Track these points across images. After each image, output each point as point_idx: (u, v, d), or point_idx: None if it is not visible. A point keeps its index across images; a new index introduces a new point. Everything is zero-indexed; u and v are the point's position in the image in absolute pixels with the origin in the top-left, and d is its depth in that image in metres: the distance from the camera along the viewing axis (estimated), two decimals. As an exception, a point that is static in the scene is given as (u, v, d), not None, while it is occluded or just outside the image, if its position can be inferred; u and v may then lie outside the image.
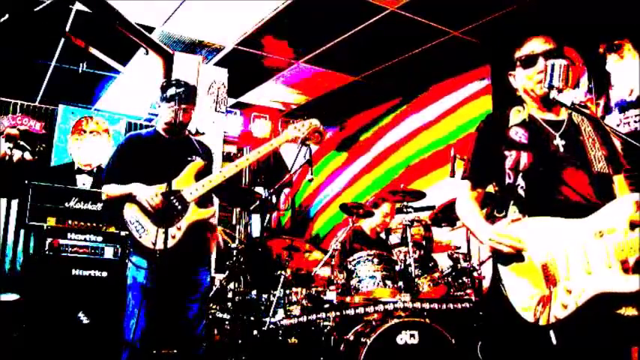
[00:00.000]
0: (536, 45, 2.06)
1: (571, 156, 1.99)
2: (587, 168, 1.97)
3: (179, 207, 2.87)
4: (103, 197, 2.96)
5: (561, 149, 2.01)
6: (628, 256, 1.72)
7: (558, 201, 1.92)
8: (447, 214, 4.56)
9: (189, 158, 3.02)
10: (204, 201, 2.94)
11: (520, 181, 1.97)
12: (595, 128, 2.07)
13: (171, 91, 2.88)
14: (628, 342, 1.82)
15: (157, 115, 3.21)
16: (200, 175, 2.98)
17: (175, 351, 2.99)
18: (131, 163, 2.95)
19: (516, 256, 1.89)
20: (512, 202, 1.97)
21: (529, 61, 2.06)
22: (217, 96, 5.99)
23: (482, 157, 2.14)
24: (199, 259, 3.00)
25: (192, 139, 3.13)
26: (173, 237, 2.81)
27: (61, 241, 4.29)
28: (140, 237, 2.80)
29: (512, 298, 1.88)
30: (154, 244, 2.63)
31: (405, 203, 4.26)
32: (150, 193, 2.80)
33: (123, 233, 4.54)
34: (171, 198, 2.86)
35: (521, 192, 1.96)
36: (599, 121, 2.04)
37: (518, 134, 2.05)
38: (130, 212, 2.85)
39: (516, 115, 2.11)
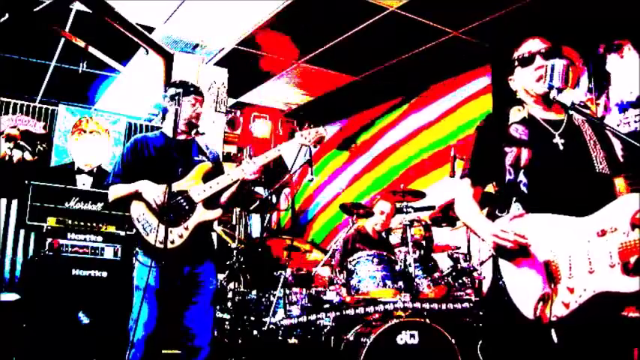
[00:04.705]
0: (533, 45, 2.09)
1: (571, 155, 1.99)
2: (587, 167, 1.97)
3: (186, 207, 2.87)
4: (110, 199, 2.95)
5: (561, 147, 2.01)
6: (630, 256, 1.72)
7: (560, 199, 1.92)
8: (447, 214, 4.56)
9: (196, 159, 3.02)
10: (211, 202, 2.94)
11: (522, 178, 1.96)
12: (595, 129, 2.07)
13: (182, 89, 2.90)
14: (631, 344, 1.81)
15: (156, 115, 3.21)
16: (207, 177, 2.97)
17: (179, 351, 2.98)
18: (139, 165, 2.95)
19: (519, 252, 1.88)
20: (514, 200, 1.97)
21: (526, 60, 2.08)
22: (217, 96, 5.99)
23: (482, 155, 2.15)
24: (205, 259, 2.99)
25: (198, 141, 3.13)
26: (181, 237, 2.82)
27: (61, 241, 4.28)
28: (147, 235, 2.80)
29: (513, 295, 1.88)
30: (161, 243, 2.62)
31: (405, 203, 4.26)
32: (157, 192, 2.80)
33: (123, 233, 4.54)
34: (179, 198, 2.86)
35: (523, 188, 1.95)
36: (599, 121, 2.04)
37: (518, 131, 2.06)
38: (138, 210, 2.85)
39: (516, 114, 2.11)
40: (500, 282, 1.92)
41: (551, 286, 1.82)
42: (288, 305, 3.91)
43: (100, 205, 4.91)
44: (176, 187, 2.87)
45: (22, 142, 5.35)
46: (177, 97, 2.84)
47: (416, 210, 4.55)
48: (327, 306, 3.84)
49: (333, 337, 3.67)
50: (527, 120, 2.08)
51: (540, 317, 1.79)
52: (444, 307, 3.63)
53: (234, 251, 4.80)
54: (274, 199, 8.40)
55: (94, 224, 4.50)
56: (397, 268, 3.86)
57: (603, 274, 1.75)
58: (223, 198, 3.03)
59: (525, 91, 2.12)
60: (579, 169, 1.97)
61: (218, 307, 4.58)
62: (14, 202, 4.84)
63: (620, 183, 2.04)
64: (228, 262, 4.88)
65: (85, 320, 4.11)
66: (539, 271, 1.86)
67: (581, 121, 2.09)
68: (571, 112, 2.07)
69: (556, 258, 1.84)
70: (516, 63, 2.12)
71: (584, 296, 1.75)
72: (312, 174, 3.18)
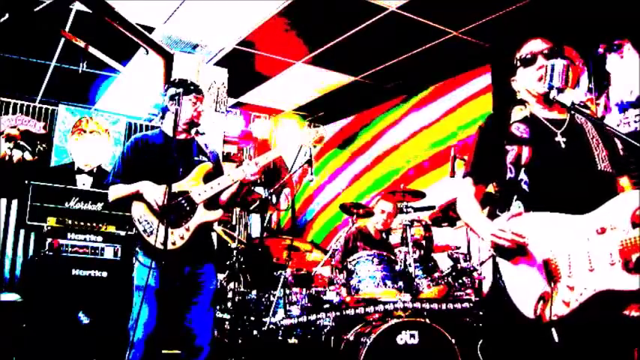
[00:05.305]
0: (534, 45, 2.09)
1: (573, 153, 1.99)
2: (589, 166, 1.97)
3: (187, 208, 2.87)
4: (110, 199, 2.94)
5: (562, 145, 2.01)
6: (631, 254, 1.72)
7: (561, 197, 1.91)
8: (447, 214, 4.56)
9: (196, 159, 3.02)
10: (212, 203, 2.94)
11: (523, 176, 1.96)
12: (597, 128, 2.08)
13: (182, 89, 2.90)
14: (633, 343, 1.80)
15: (156, 115, 3.21)
16: (208, 177, 2.97)
17: (179, 351, 2.98)
18: (139, 164, 2.94)
19: (517, 251, 1.88)
20: (515, 198, 1.97)
21: (528, 60, 2.08)
22: (217, 96, 5.99)
23: (485, 154, 2.15)
24: (206, 260, 2.99)
25: (198, 141, 3.13)
26: (182, 238, 2.81)
27: (61, 241, 4.28)
28: (148, 236, 2.80)
29: (513, 294, 1.87)
30: (162, 244, 2.62)
31: (405, 203, 4.26)
32: (158, 192, 2.80)
33: (123, 233, 4.55)
34: (180, 199, 2.86)
35: (524, 187, 1.95)
36: (600, 121, 2.04)
37: (519, 129, 2.05)
38: (138, 211, 2.85)
39: (518, 113, 2.11)
40: (500, 282, 1.92)
41: (550, 284, 1.82)
42: (288, 305, 3.91)
43: (100, 205, 4.91)
44: (177, 187, 2.87)
45: (22, 142, 5.36)
46: (177, 97, 2.84)
47: (416, 210, 4.55)
48: (327, 306, 3.84)
49: (333, 337, 3.67)
50: (528, 119, 2.08)
51: (540, 316, 1.79)
52: (444, 307, 3.63)
53: (234, 251, 4.80)
54: (274, 199, 8.40)
55: (94, 224, 4.50)
56: (397, 268, 3.86)
57: (604, 273, 1.75)
58: (223, 197, 3.02)
59: (527, 92, 2.13)
60: (581, 167, 1.97)
61: (218, 307, 4.58)
62: (14, 202, 4.85)
63: (625, 183, 2.03)
64: (228, 262, 4.88)
65: (85, 320, 4.11)
66: (539, 271, 1.85)
67: (584, 120, 2.09)
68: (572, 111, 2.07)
69: (555, 256, 1.84)
70: (518, 64, 2.13)
71: (584, 295, 1.75)
72: (312, 174, 3.18)
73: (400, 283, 3.77)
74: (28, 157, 5.35)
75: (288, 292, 3.95)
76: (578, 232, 1.83)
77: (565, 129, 2.05)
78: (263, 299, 4.17)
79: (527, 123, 2.06)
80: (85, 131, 5.65)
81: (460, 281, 3.99)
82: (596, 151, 2.00)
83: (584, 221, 1.83)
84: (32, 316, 4.01)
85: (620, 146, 2.06)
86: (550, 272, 1.83)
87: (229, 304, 4.62)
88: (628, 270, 1.72)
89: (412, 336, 3.35)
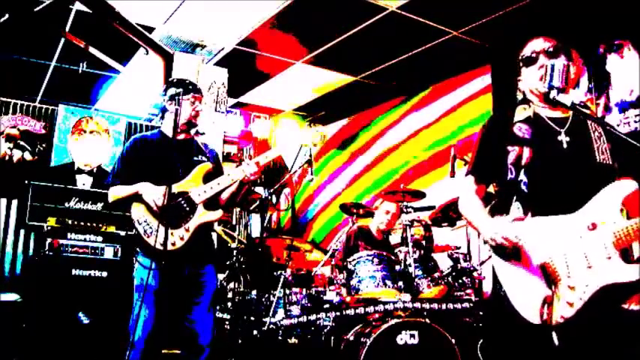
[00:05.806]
0: (537, 44, 2.10)
1: (575, 152, 1.99)
2: (588, 160, 1.97)
3: (187, 208, 2.86)
4: (110, 199, 2.94)
5: (565, 145, 2.00)
6: (625, 244, 1.72)
7: (561, 196, 1.91)
8: (447, 214, 4.56)
9: (196, 159, 3.01)
10: (211, 203, 2.94)
11: (522, 177, 1.96)
12: (600, 127, 2.07)
13: (181, 88, 2.89)
14: (633, 340, 1.80)
15: (156, 115, 3.20)
16: (208, 177, 2.96)
17: (179, 351, 2.98)
18: (138, 165, 2.93)
19: (514, 254, 1.87)
20: (514, 199, 1.96)
21: (530, 60, 2.08)
22: (217, 96, 5.99)
23: (487, 153, 2.15)
24: (206, 260, 2.99)
25: (197, 141, 3.12)
26: (182, 238, 2.81)
27: (61, 241, 4.28)
28: (148, 237, 2.79)
29: (515, 302, 1.86)
30: (162, 245, 2.62)
31: (405, 203, 4.26)
32: (157, 193, 2.80)
33: (123, 233, 4.55)
34: (179, 199, 2.85)
35: (523, 188, 1.95)
36: (601, 120, 2.04)
37: (521, 130, 2.05)
38: (138, 212, 2.84)
39: (521, 113, 2.11)
40: (501, 292, 1.91)
41: (551, 288, 1.81)
42: (288, 305, 3.92)
43: (100, 205, 4.91)
44: (176, 188, 2.86)
45: (22, 142, 5.36)
46: (177, 97, 2.83)
47: (416, 210, 4.55)
48: (327, 306, 3.84)
49: (333, 337, 3.67)
50: (531, 119, 2.07)
51: (546, 321, 1.78)
52: (444, 307, 3.63)
53: (234, 251, 4.80)
54: (274, 199, 8.40)
55: (94, 224, 4.50)
56: (397, 268, 3.86)
57: (602, 268, 1.75)
58: (223, 198, 3.02)
59: (530, 91, 2.12)
60: (581, 164, 1.96)
61: (218, 307, 4.58)
62: (14, 202, 4.85)
63: None
64: (228, 262, 4.88)
65: (85, 320, 4.11)
66: (538, 276, 1.85)
67: (588, 119, 2.08)
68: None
69: (552, 259, 1.83)
70: (521, 63, 2.13)
71: (587, 292, 1.75)
72: (312, 174, 3.18)
73: (400, 283, 3.77)
74: (28, 157, 5.35)
75: (288, 292, 3.95)
76: (571, 232, 1.83)
77: (568, 127, 2.04)
78: (263, 299, 4.17)
79: (529, 123, 2.06)
80: (85, 131, 5.64)
81: (460, 281, 3.99)
82: (596, 143, 1.99)
83: (574, 220, 1.84)
84: (32, 316, 4.00)
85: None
86: (549, 276, 1.83)
87: (229, 304, 4.63)
88: (627, 261, 1.72)
89: (412, 336, 3.35)
